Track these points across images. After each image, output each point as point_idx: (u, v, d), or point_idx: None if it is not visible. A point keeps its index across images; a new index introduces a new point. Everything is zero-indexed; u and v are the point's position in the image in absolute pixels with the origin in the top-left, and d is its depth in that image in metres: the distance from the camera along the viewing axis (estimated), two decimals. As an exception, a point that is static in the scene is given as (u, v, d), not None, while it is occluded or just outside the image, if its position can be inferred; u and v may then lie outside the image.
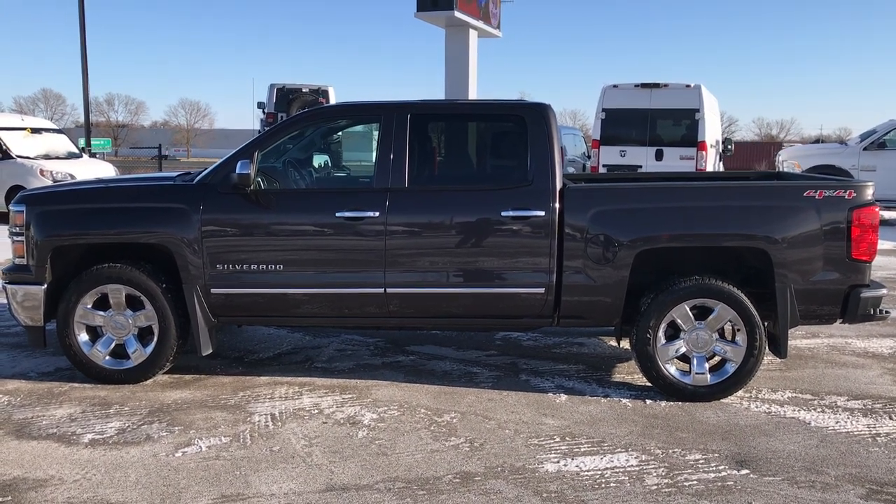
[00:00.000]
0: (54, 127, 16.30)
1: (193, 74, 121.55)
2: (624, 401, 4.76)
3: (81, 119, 23.87)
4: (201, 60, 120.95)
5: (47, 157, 14.30)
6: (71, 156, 15.10)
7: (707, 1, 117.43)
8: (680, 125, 14.49)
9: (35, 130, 14.87)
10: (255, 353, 5.79)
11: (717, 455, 3.95)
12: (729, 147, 16.82)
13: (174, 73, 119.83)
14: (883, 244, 11.32)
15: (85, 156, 16.70)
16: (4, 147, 13.78)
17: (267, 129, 7.20)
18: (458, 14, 16.18)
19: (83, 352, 4.96)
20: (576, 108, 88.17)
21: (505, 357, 5.71)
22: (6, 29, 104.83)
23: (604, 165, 14.78)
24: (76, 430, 4.23)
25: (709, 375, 4.74)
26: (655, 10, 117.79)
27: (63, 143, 15.44)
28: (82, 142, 21.36)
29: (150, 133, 76.47)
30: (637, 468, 3.79)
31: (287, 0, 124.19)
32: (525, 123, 4.93)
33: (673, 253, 4.85)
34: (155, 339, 4.94)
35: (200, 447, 4.01)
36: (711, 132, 14.81)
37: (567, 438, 4.16)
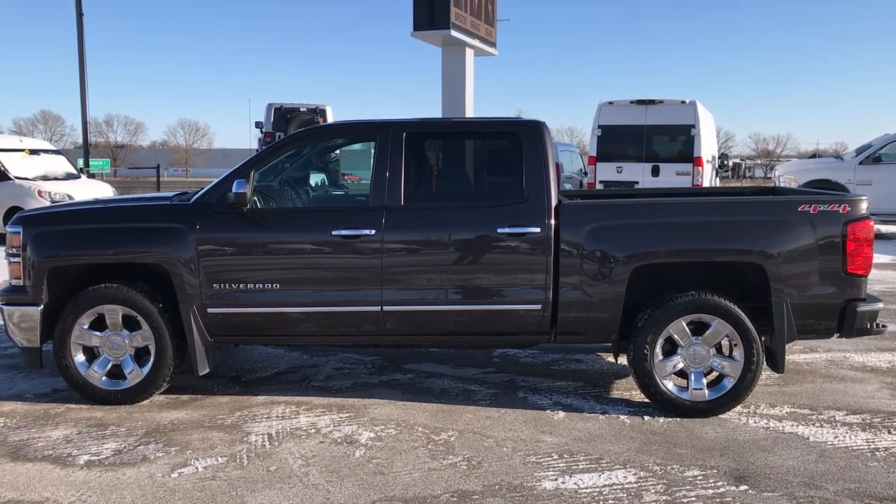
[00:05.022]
0: (52, 148, 16.33)
1: (193, 95, 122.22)
2: (622, 417, 4.75)
3: (80, 140, 23.92)
4: (201, 81, 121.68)
5: (45, 178, 14.33)
6: (69, 177, 15.13)
7: (703, 19, 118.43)
8: (676, 141, 14.56)
9: (33, 151, 14.90)
10: (252, 373, 5.77)
11: (715, 471, 3.93)
12: (726, 163, 16.87)
13: (173, 94, 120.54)
14: (881, 258, 11.34)
15: (83, 176, 16.74)
16: (2, 168, 13.80)
17: (263, 148, 7.23)
18: (454, 33, 16.27)
19: (80, 373, 4.94)
20: (573, 125, 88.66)
21: (503, 374, 5.70)
22: (6, 50, 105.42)
23: (600, 182, 14.83)
24: (72, 451, 4.21)
25: (707, 391, 4.73)
26: (652, 28, 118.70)
27: (61, 164, 15.47)
28: (81, 162, 21.39)
29: (150, 153, 76.68)
30: (635, 485, 3.77)
31: (285, 20, 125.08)
32: (520, 140, 4.95)
33: (669, 268, 4.86)
34: (151, 359, 4.93)
35: (197, 468, 3.99)
36: (707, 148, 14.87)
37: (565, 456, 4.14)
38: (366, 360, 6.09)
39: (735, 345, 4.70)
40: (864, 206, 4.73)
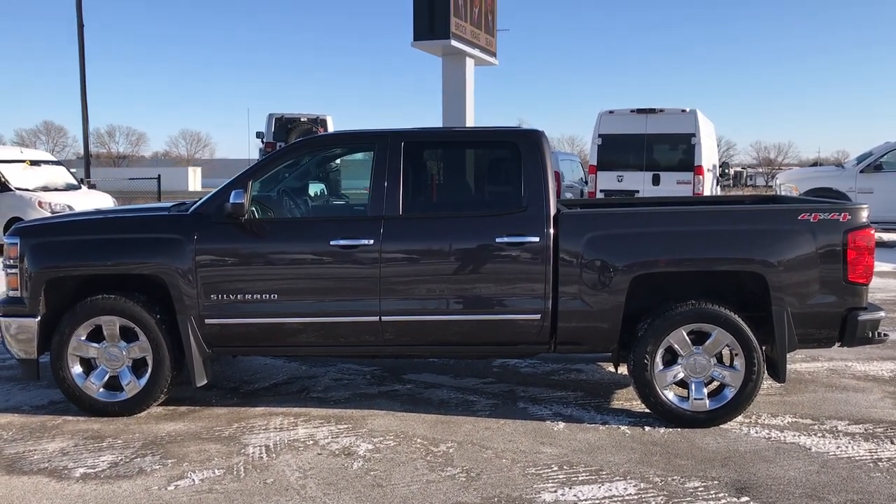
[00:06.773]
0: (53, 159, 16.34)
1: (194, 105, 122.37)
2: (622, 428, 4.71)
3: (82, 151, 23.96)
4: (202, 91, 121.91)
5: (46, 188, 14.34)
6: (69, 187, 15.13)
7: (704, 26, 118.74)
8: (676, 150, 14.55)
9: (34, 162, 14.91)
10: (250, 384, 5.74)
11: (716, 482, 3.90)
12: (727, 172, 16.86)
13: (175, 104, 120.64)
14: (882, 266, 11.29)
15: (84, 187, 16.75)
16: (3, 179, 13.79)
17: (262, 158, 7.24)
18: (454, 43, 16.31)
19: (77, 384, 4.92)
20: (573, 134, 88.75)
21: (503, 384, 5.66)
22: (9, 62, 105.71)
23: (601, 190, 14.83)
24: (68, 464, 4.18)
25: (707, 401, 4.70)
26: (653, 37, 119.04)
27: (62, 175, 15.48)
28: (82, 173, 21.43)
29: (151, 164, 76.81)
30: (636, 497, 3.74)
31: (286, 30, 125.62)
32: (519, 150, 4.94)
33: (669, 278, 4.83)
34: (149, 370, 4.90)
35: (193, 480, 3.96)
36: (708, 156, 14.86)
37: (565, 467, 4.11)
38: (365, 370, 6.06)
39: (736, 354, 4.67)
40: (864, 215, 4.71)
